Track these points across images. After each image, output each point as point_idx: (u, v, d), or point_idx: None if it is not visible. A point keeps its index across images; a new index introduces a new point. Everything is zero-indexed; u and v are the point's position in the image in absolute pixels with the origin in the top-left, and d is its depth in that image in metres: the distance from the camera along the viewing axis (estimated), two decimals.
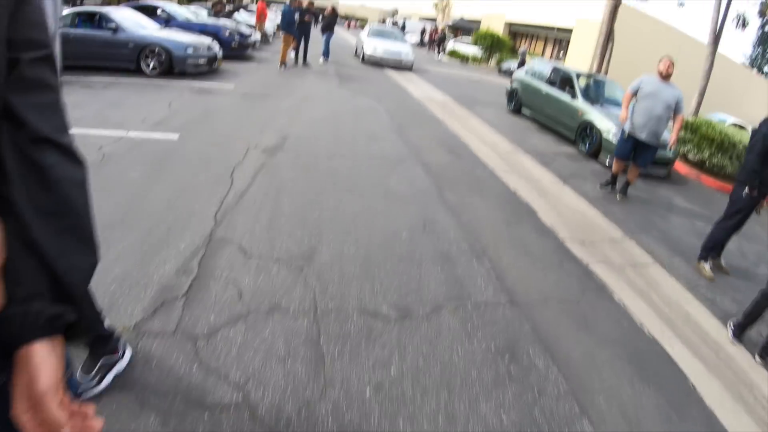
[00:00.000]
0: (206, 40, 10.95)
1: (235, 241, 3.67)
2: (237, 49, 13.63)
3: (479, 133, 9.01)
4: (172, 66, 9.97)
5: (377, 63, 17.02)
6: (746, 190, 4.55)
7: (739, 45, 73.45)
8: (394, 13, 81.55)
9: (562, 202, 6.03)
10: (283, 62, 13.30)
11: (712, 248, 4.92)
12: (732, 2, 12.09)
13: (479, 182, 6.12)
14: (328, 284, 3.29)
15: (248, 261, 3.43)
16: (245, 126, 6.92)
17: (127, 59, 10.01)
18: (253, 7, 21.20)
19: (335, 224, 4.19)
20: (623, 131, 6.52)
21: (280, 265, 3.43)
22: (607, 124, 8.49)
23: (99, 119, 6.59)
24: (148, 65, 9.98)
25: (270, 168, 5.31)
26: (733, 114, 24.20)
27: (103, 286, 2.97)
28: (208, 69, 10.71)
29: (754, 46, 50.83)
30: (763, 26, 47.76)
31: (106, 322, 2.46)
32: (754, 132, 4.68)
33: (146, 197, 4.29)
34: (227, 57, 12.68)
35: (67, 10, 10.55)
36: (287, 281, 3.26)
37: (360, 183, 5.27)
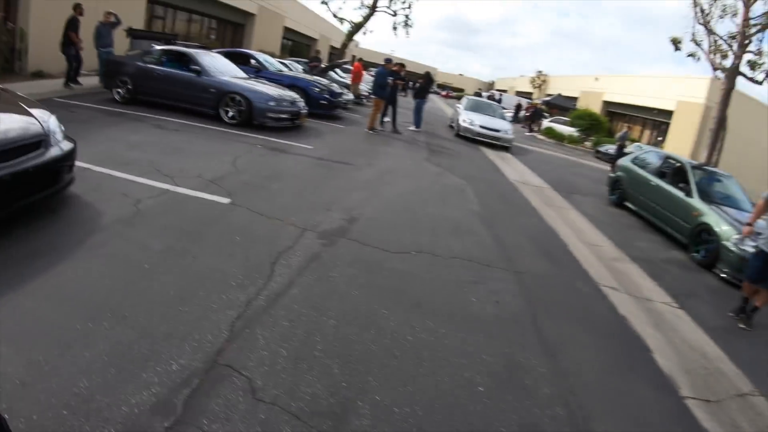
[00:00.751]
0: (292, 95, 10.80)
1: (246, 371, 2.80)
2: (326, 107, 13.50)
3: (579, 230, 7.88)
4: (251, 117, 9.76)
5: (472, 138, 16.30)
6: None
7: None
8: (491, 86, 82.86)
9: (679, 334, 4.80)
10: (371, 127, 12.98)
11: None
12: None
13: (582, 303, 5.00)
14: None
15: (254, 409, 2.53)
16: (311, 198, 6.28)
17: (206, 104, 9.98)
18: (351, 66, 21.55)
19: (389, 364, 3.21)
20: (756, 247, 5.47)
21: (297, 425, 2.50)
22: (728, 230, 7.24)
23: (153, 165, 6.24)
24: (227, 113, 9.83)
25: (324, 262, 4.49)
26: None
27: (54, 407, 2.28)
28: (289, 125, 10.48)
29: None
30: None
31: None
32: None
33: (158, 280, 3.59)
34: (314, 115, 12.54)
35: (157, 47, 10.84)
36: None
37: (433, 297, 4.32)
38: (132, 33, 12.94)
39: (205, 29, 26.09)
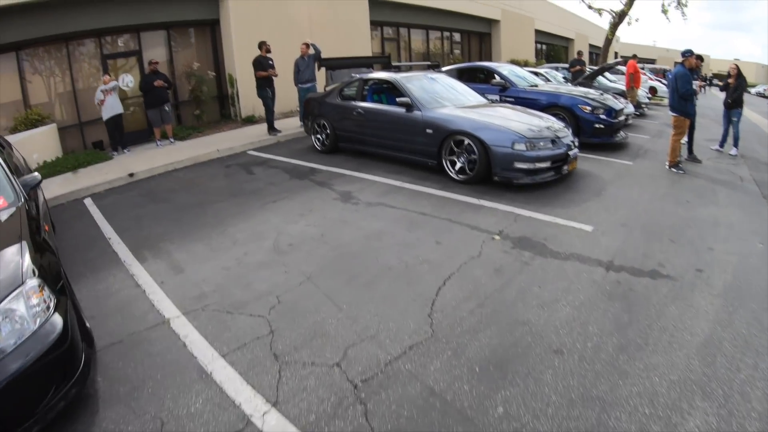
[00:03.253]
0: (553, 124, 6.75)
1: None
2: (603, 133, 9.07)
3: None
4: (490, 169, 6.18)
5: None
6: None
7: None
8: None
9: None
10: (674, 162, 8.10)
11: None
12: None
13: None
14: None
15: None
16: None
17: (423, 152, 6.82)
18: (623, 67, 16.29)
19: None
20: None
21: None
22: None
23: (273, 320, 3.26)
24: (453, 165, 6.46)
25: None
26: None
27: None
28: (552, 176, 6.35)
29: None
30: None
31: None
32: None
33: None
34: (584, 145, 8.27)
35: (358, 76, 8.09)
36: None
37: None
38: (323, 63, 10.32)
39: (447, 44, 23.49)
